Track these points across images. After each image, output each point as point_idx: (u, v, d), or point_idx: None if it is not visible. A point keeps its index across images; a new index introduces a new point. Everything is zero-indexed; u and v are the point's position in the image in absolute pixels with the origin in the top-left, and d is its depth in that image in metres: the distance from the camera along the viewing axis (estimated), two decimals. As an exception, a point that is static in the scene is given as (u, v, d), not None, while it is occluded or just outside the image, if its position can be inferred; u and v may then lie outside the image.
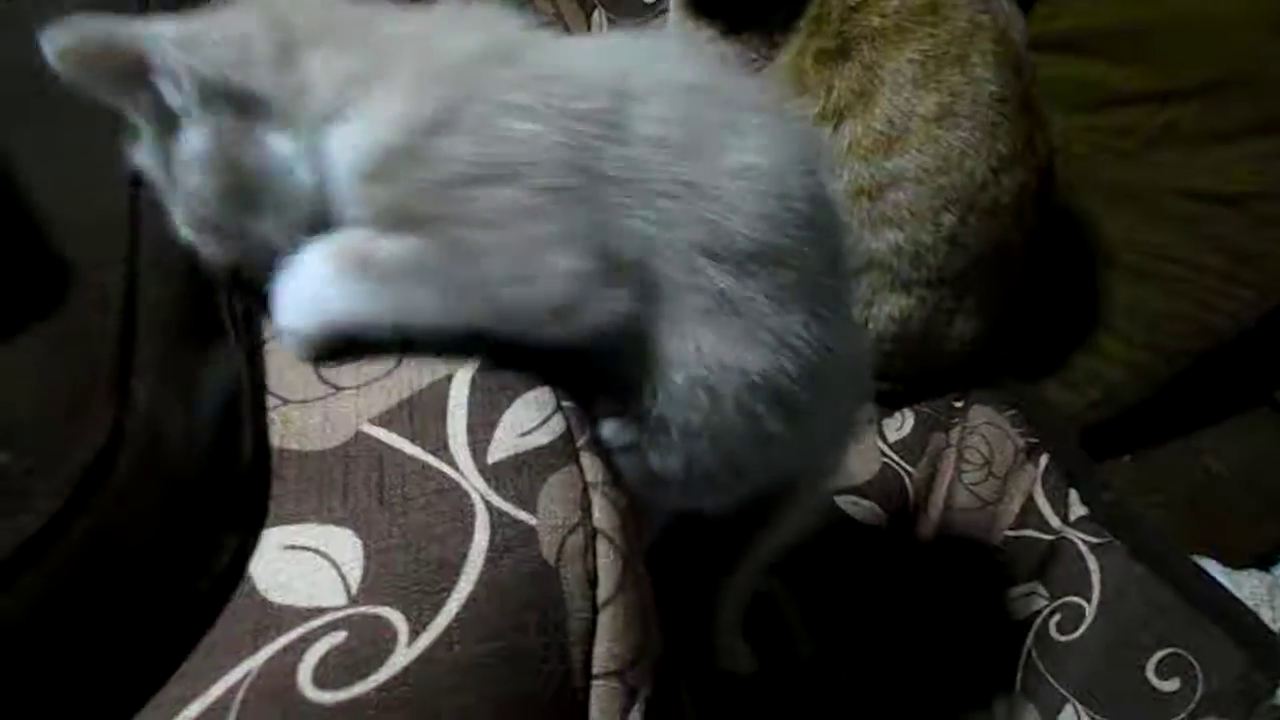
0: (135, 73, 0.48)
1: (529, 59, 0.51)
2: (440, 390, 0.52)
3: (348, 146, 0.50)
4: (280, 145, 0.50)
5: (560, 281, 0.48)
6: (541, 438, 0.51)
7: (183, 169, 0.50)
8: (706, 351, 0.54)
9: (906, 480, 1.04)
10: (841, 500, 1.01)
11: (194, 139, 0.49)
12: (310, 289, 0.50)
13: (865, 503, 1.02)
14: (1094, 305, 1.26)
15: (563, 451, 0.51)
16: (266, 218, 0.51)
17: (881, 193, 0.96)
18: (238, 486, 0.48)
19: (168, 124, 0.50)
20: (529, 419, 0.52)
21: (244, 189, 0.50)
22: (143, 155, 0.51)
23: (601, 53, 0.57)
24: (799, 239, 0.54)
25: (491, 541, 0.46)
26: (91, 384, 0.45)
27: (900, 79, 0.93)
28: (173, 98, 0.48)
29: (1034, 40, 1.50)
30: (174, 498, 0.45)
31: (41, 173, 0.55)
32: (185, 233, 0.52)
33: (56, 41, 0.46)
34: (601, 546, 0.49)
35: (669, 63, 0.56)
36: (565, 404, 0.54)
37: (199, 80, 0.48)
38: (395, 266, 0.48)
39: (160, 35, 0.47)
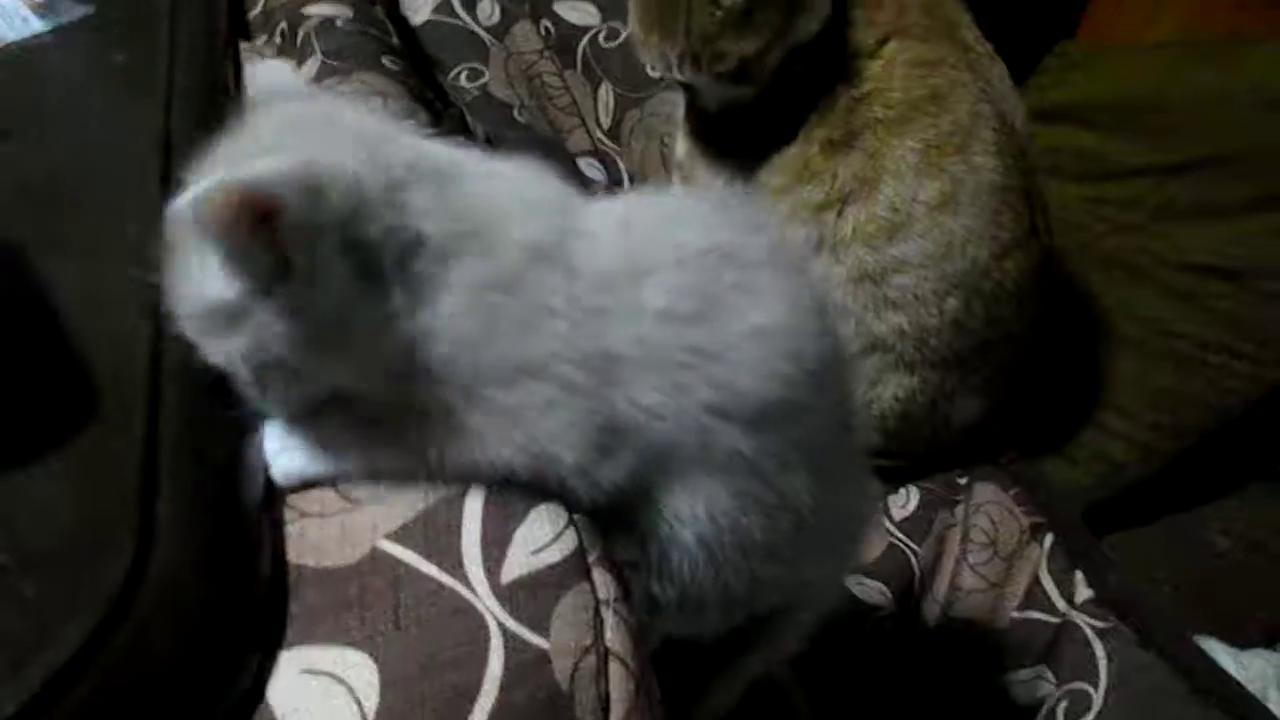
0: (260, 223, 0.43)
1: (570, 253, 0.51)
2: (454, 503, 0.53)
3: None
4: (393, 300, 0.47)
5: (561, 469, 0.51)
6: (553, 555, 0.52)
7: (272, 320, 0.46)
8: (712, 508, 0.55)
9: (913, 559, 1.05)
10: (848, 580, 1.02)
11: (299, 297, 0.45)
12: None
13: (872, 583, 1.02)
14: (1097, 380, 1.27)
15: (575, 569, 0.52)
16: (349, 363, 0.49)
17: (885, 277, 0.98)
18: (256, 606, 0.49)
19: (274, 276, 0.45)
20: (541, 535, 0.53)
21: (337, 340, 0.47)
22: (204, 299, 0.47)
23: (618, 229, 0.55)
24: (809, 398, 0.55)
25: (506, 667, 0.47)
26: (115, 508, 0.46)
27: (903, 166, 0.95)
28: (295, 251, 0.44)
29: (1031, 111, 1.54)
30: (195, 621, 0.46)
31: (63, 287, 0.57)
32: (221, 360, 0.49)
33: (195, 192, 0.41)
34: (614, 669, 0.49)
35: (681, 229, 0.56)
36: (577, 517, 0.55)
37: (321, 234, 0.44)
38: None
39: (285, 181, 0.42)
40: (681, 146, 1.08)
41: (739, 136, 1.02)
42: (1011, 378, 1.09)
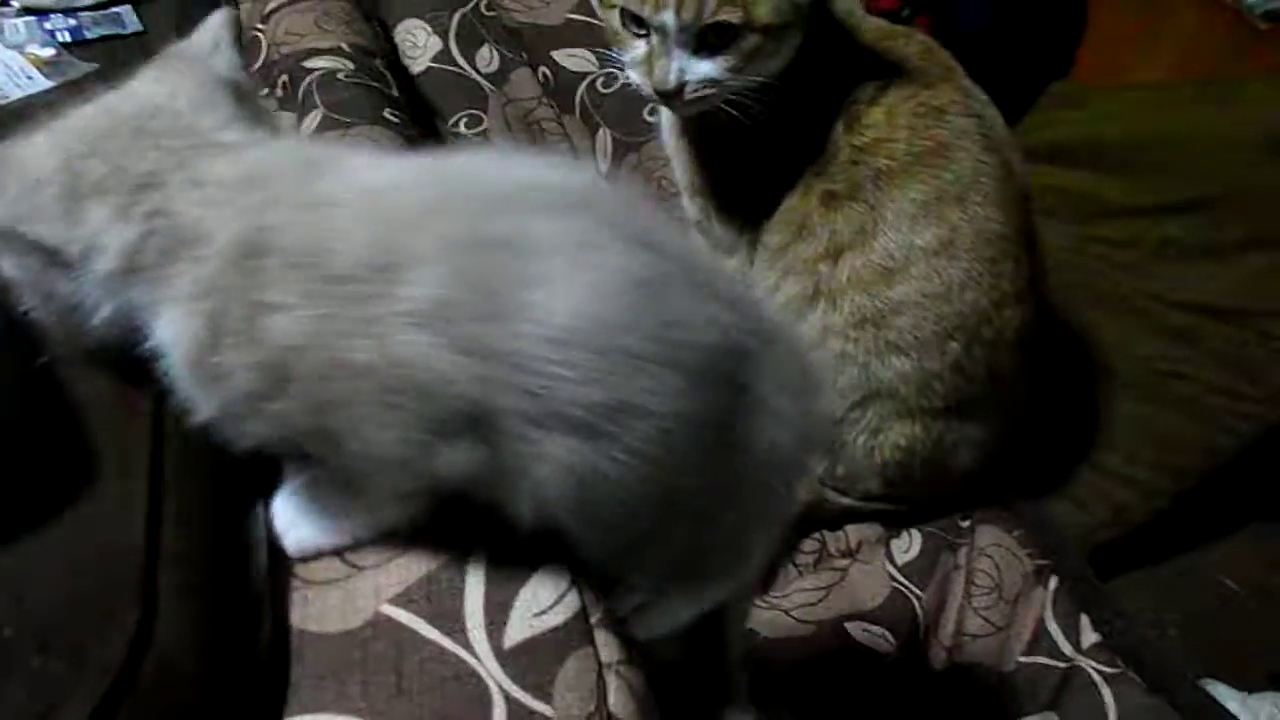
0: None
1: (281, 245, 0.47)
2: (456, 569, 0.53)
3: (166, 337, 0.49)
4: (85, 290, 0.49)
5: (398, 449, 0.47)
6: (556, 618, 0.52)
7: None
8: (563, 499, 0.49)
9: (916, 605, 1.04)
10: (852, 627, 1.01)
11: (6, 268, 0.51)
12: None
13: (876, 629, 1.02)
14: (1098, 421, 1.26)
15: (577, 632, 0.52)
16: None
17: (885, 320, 0.97)
18: (259, 674, 0.49)
19: None
20: (544, 597, 0.53)
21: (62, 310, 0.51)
22: None
23: (370, 213, 0.49)
24: (653, 384, 0.47)
25: (508, 734, 0.47)
26: (118, 578, 0.46)
27: (901, 216, 0.95)
28: None
29: (1026, 150, 1.55)
30: (199, 690, 0.46)
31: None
32: None
33: None
34: (617, 734, 0.49)
35: (452, 217, 0.49)
36: (579, 578, 0.55)
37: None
38: None
39: None
40: (693, 208, 1.07)
41: (743, 187, 1.02)
42: (1012, 427, 1.09)
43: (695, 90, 0.87)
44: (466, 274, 0.46)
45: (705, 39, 0.85)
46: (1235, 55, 1.60)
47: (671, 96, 0.88)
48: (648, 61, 0.88)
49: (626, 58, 0.90)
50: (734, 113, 0.90)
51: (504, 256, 0.47)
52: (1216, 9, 1.65)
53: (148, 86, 0.54)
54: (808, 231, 0.98)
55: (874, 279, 0.97)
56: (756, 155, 0.98)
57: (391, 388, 0.45)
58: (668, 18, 0.84)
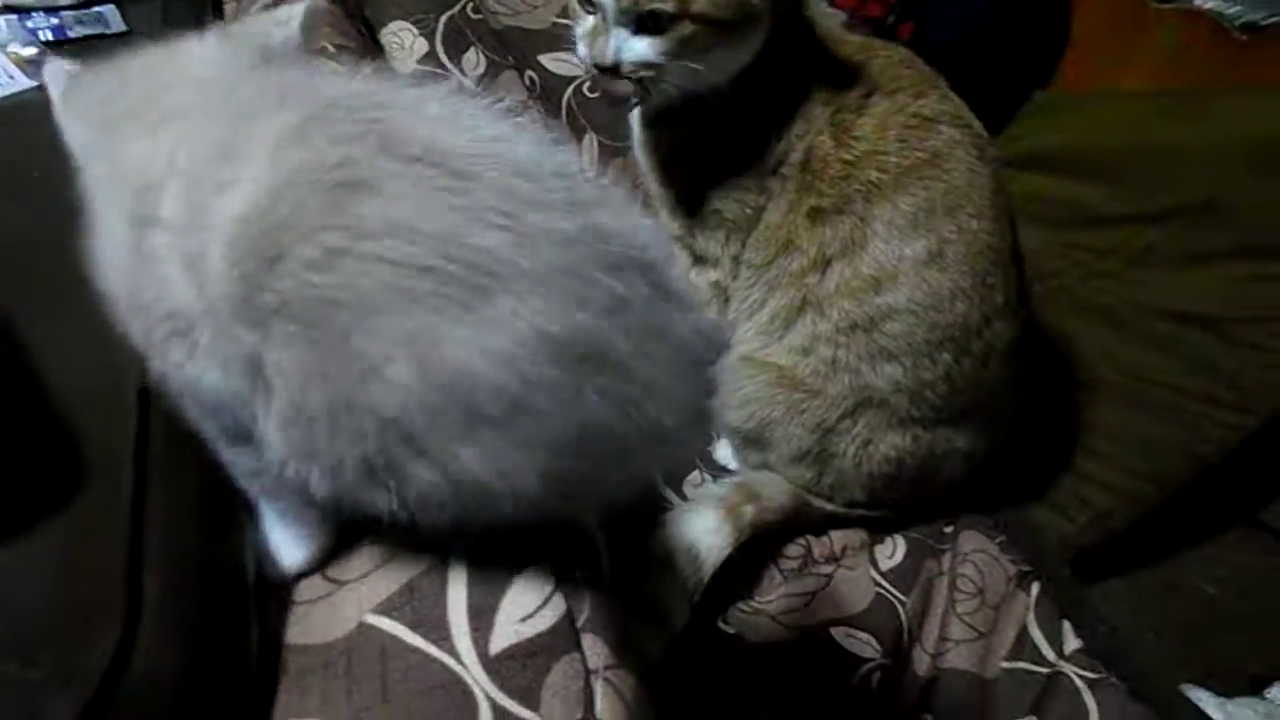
0: None
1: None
2: (438, 575, 0.53)
3: None
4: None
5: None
6: (542, 623, 0.52)
7: None
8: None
9: (900, 610, 1.04)
10: (837, 632, 1.01)
11: None
12: None
13: (861, 635, 1.02)
14: (1080, 427, 1.27)
15: (564, 637, 0.52)
16: None
17: (875, 325, 0.96)
18: (245, 683, 0.48)
19: None
20: (529, 602, 0.53)
21: None
22: None
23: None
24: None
25: (495, 742, 0.46)
26: (103, 582, 0.46)
27: (891, 228, 0.94)
28: None
29: (1009, 158, 1.55)
30: (183, 700, 0.46)
31: (47, 353, 0.57)
32: None
33: None
34: (604, 741, 0.49)
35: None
36: (563, 582, 0.55)
37: None
38: None
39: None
40: (673, 224, 1.06)
41: (715, 199, 1.01)
42: (1000, 437, 1.09)
43: (631, 70, 0.90)
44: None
45: (643, 22, 0.88)
46: (1215, 66, 1.62)
47: (608, 71, 0.91)
48: (591, 36, 0.91)
49: (577, 30, 0.94)
50: (700, 120, 0.92)
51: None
52: (1197, 20, 1.67)
53: None
54: (794, 247, 0.98)
55: (863, 287, 0.96)
56: (726, 166, 0.99)
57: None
58: None
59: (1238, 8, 1.68)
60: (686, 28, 0.87)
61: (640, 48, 0.89)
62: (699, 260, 1.07)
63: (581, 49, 0.93)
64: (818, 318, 0.98)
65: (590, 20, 0.92)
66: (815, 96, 0.96)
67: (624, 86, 0.93)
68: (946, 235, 0.94)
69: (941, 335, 0.96)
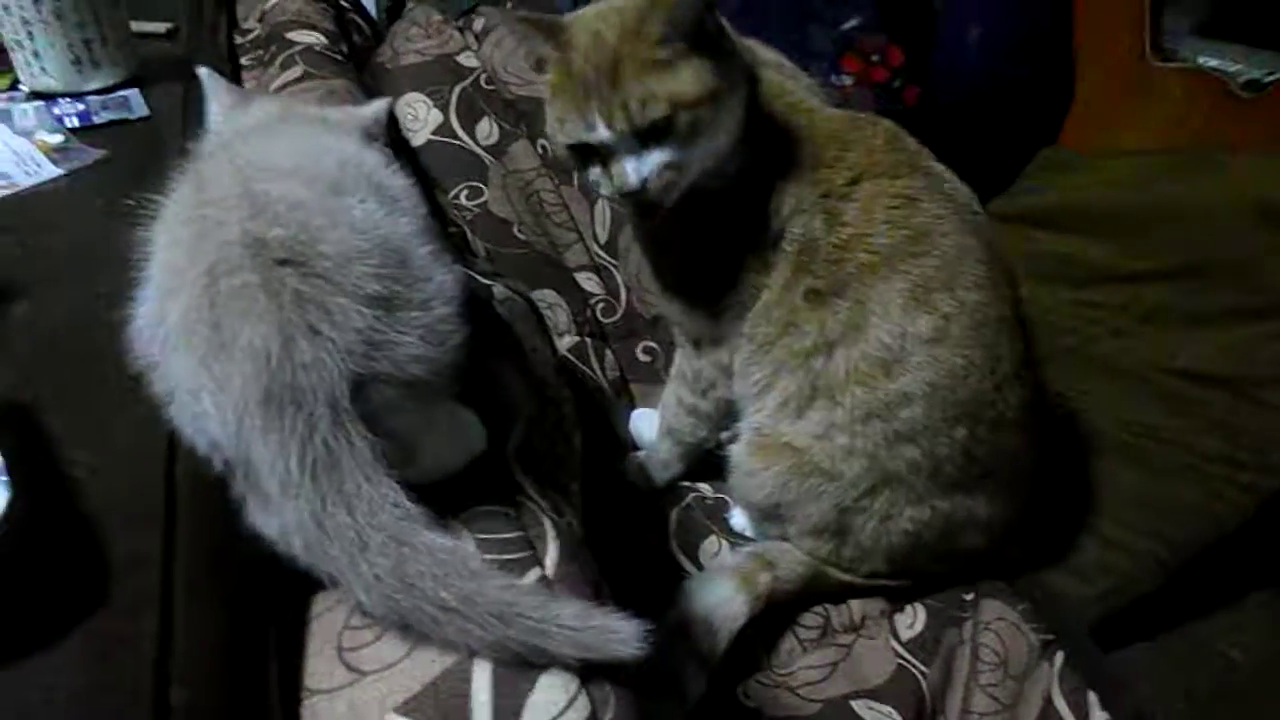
0: None
1: None
2: (462, 674, 0.53)
3: None
4: None
5: None
6: (566, 725, 0.52)
7: None
8: None
9: (922, 681, 1.03)
10: (858, 705, 1.00)
11: None
12: None
13: (881, 707, 1.01)
14: (1097, 490, 1.26)
15: (589, 737, 0.52)
16: None
17: (891, 412, 0.96)
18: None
19: None
20: (554, 702, 0.53)
21: None
22: None
23: None
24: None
25: None
26: (129, 696, 0.46)
27: (891, 307, 0.95)
28: None
29: (1016, 216, 1.57)
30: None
31: (77, 447, 0.57)
32: None
33: None
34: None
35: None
36: (586, 680, 0.54)
37: None
38: None
39: None
40: (671, 310, 1.08)
41: (709, 280, 1.02)
42: (1018, 503, 1.08)
43: (659, 179, 0.90)
44: None
45: (646, 136, 0.89)
46: (1218, 125, 1.64)
47: (640, 193, 0.91)
48: (607, 174, 0.92)
49: (591, 180, 0.95)
50: (691, 204, 0.93)
51: None
52: (1200, 79, 1.69)
53: None
54: (795, 328, 0.99)
55: (873, 371, 0.96)
56: (722, 247, 1.00)
57: None
58: (603, 134, 0.88)
59: (1240, 66, 1.70)
60: (684, 117, 0.88)
61: (656, 157, 0.90)
62: (699, 343, 1.07)
63: (604, 188, 0.94)
64: (832, 406, 0.98)
65: (597, 166, 0.93)
66: (802, 176, 0.98)
67: (656, 195, 0.92)
68: (948, 310, 0.95)
69: (958, 411, 0.96)
